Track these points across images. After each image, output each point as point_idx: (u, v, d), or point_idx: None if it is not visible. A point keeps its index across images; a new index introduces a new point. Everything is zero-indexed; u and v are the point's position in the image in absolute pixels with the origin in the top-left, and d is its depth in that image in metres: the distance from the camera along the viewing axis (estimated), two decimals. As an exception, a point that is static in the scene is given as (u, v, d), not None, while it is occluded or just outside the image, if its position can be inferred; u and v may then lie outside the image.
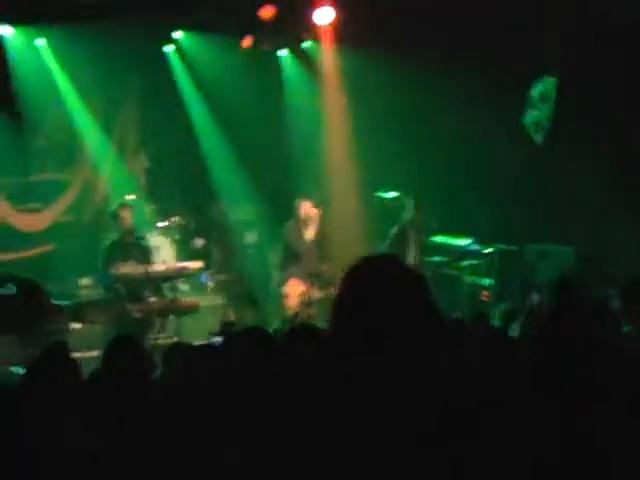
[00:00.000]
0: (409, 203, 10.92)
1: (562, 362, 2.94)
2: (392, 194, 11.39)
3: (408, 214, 10.85)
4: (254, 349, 4.01)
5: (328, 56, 12.69)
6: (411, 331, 2.06)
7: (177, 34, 12.44)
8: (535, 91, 11.10)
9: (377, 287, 2.07)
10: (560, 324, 2.92)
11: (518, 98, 11.18)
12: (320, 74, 12.84)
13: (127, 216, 10.16)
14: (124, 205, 10.42)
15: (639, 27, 9.36)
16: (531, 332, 5.76)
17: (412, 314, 2.07)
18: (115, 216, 10.22)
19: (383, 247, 10.62)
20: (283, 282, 10.43)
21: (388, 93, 11.58)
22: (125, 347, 4.89)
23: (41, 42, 11.61)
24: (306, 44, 12.84)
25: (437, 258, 11.03)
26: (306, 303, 10.15)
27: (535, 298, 7.12)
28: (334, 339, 2.16)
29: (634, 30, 9.43)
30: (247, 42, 12.25)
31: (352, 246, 10.71)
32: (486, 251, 10.41)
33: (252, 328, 4.38)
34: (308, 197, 10.73)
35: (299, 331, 4.77)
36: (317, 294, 10.32)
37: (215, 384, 4.15)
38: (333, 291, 10.19)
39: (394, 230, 10.81)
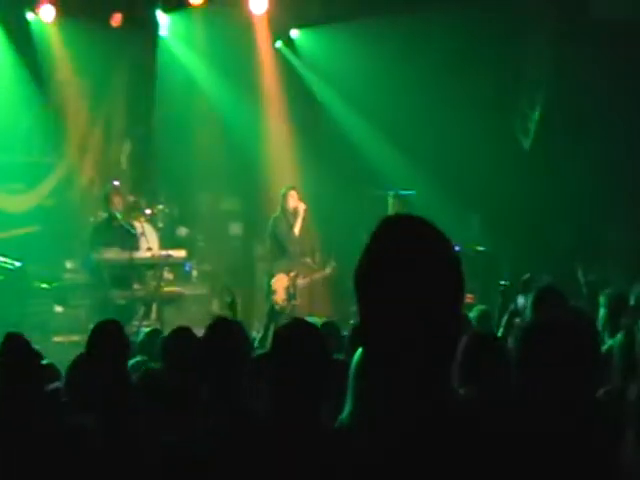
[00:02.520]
0: (392, 200, 10.97)
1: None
2: (377, 191, 11.39)
3: (391, 210, 10.86)
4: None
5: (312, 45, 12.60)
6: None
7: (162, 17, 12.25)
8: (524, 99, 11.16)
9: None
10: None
11: (508, 103, 11.21)
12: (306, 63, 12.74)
13: (118, 200, 10.14)
14: (116, 189, 10.40)
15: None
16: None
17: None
18: (107, 198, 10.19)
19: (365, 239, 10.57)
20: (271, 276, 10.18)
21: (382, 92, 11.54)
22: (110, 332, 4.85)
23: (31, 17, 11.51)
24: (294, 33, 12.71)
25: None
26: (290, 295, 10.05)
27: (520, 301, 7.12)
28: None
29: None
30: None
31: (335, 240, 10.76)
32: (473, 252, 10.42)
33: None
34: (294, 188, 10.63)
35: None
36: (301, 282, 10.23)
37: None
38: (316, 276, 10.20)
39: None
